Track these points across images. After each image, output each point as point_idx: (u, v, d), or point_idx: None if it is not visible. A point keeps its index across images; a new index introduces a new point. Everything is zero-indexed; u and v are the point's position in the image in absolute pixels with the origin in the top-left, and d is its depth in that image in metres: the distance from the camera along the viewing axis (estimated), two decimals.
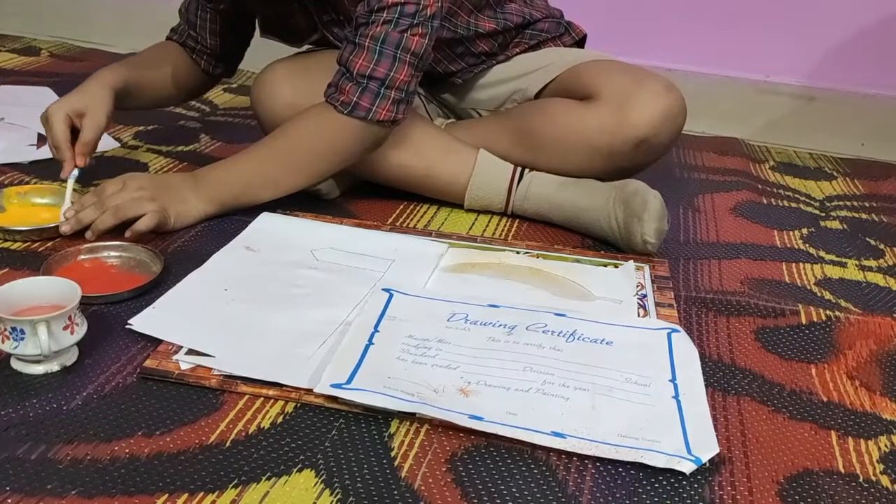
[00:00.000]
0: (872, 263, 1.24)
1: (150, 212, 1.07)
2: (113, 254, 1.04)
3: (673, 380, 0.87)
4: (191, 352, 0.86)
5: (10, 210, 1.13)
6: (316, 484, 0.72)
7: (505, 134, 1.27)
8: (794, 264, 1.21)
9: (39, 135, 1.39)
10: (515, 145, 1.26)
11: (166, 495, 0.69)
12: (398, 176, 1.25)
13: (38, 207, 1.14)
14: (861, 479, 0.78)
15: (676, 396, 0.85)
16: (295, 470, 0.73)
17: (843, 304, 1.10)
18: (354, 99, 1.09)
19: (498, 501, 0.71)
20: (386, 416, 0.80)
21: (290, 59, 1.25)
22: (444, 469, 0.74)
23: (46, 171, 1.28)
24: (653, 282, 1.09)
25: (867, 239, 1.33)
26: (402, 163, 1.23)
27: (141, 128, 1.51)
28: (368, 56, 1.08)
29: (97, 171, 1.31)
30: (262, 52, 1.39)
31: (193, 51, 1.33)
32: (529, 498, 0.72)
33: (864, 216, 1.43)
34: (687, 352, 0.92)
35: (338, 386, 0.81)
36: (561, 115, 1.24)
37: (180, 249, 1.08)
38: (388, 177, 1.25)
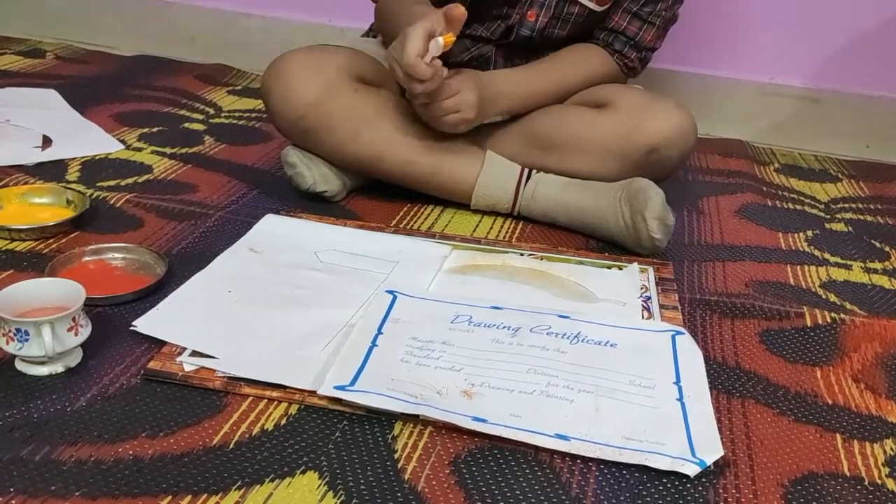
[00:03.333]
0: (877, 266, 1.24)
1: (465, 120, 1.17)
2: (117, 255, 1.04)
3: (677, 382, 0.87)
4: (194, 353, 0.86)
5: (9, 209, 1.13)
6: (319, 486, 0.72)
7: (515, 135, 1.27)
8: (798, 266, 1.21)
9: (44, 137, 1.39)
10: (526, 147, 1.26)
11: (170, 497, 0.69)
12: (405, 173, 1.24)
13: (36, 207, 1.15)
14: (866, 483, 0.78)
15: (680, 399, 0.85)
16: (298, 472, 0.73)
17: (847, 306, 1.10)
18: (638, 67, 1.33)
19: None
20: (389, 417, 0.80)
21: (304, 51, 1.23)
22: (447, 471, 0.74)
23: (50, 173, 1.28)
24: (657, 284, 1.09)
25: (872, 241, 1.33)
26: (410, 160, 1.23)
27: (145, 130, 1.51)
28: (656, 33, 1.29)
29: (98, 171, 1.31)
30: (264, 52, 1.40)
31: None
32: (533, 500, 0.72)
33: (869, 218, 1.43)
34: (691, 354, 0.92)
35: (341, 388, 0.81)
36: (574, 117, 1.25)
37: (184, 251, 1.08)
38: (395, 174, 1.25)
